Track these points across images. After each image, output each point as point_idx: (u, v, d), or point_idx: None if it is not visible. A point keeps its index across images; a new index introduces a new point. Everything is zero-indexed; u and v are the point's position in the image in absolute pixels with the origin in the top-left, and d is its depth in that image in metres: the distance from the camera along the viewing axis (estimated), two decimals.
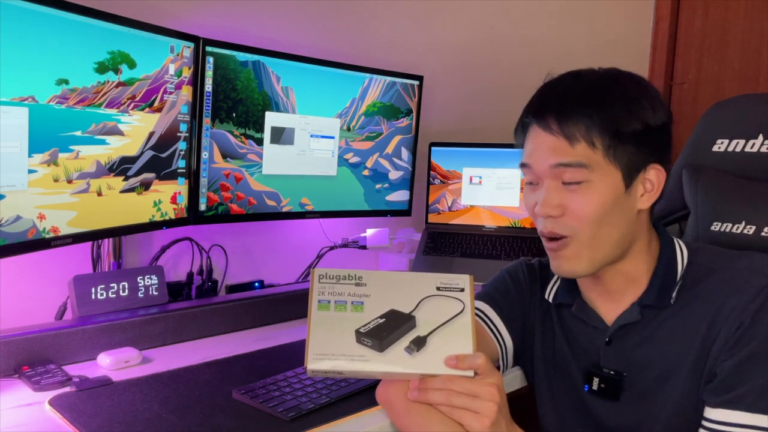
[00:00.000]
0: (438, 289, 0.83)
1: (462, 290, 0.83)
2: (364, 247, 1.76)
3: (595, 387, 0.92)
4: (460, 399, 0.77)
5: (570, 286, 0.98)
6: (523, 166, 0.91)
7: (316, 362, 0.77)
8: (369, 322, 0.80)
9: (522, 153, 0.92)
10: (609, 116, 0.83)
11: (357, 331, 0.79)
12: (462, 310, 0.81)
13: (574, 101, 0.85)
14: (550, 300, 1.00)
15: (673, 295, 0.88)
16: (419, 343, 0.79)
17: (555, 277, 1.01)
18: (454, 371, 0.78)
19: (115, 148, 1.18)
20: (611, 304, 0.93)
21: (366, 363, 0.78)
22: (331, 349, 0.78)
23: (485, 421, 0.76)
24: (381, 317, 0.80)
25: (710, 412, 0.82)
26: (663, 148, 0.88)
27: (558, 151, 0.85)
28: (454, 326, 0.80)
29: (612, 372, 0.91)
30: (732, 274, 0.86)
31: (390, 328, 0.79)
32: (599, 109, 0.83)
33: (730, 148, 1.11)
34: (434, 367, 0.78)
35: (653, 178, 0.87)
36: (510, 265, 1.07)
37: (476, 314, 0.93)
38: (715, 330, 0.84)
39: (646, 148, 0.86)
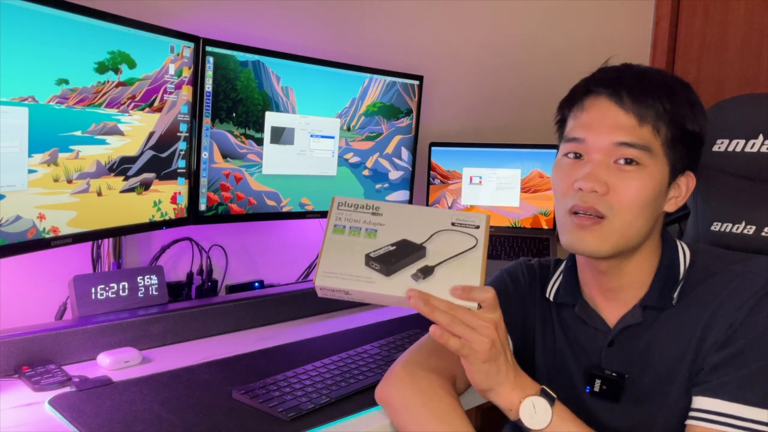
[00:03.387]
0: (453, 224, 0.83)
1: (477, 227, 0.83)
2: None
3: (596, 388, 0.91)
4: (461, 327, 0.76)
5: (572, 285, 0.97)
6: (570, 140, 0.88)
7: (325, 279, 0.80)
8: (380, 248, 0.81)
9: (569, 125, 0.90)
10: (678, 110, 0.84)
11: (367, 255, 0.81)
12: (474, 246, 0.81)
13: (651, 84, 0.85)
14: (551, 298, 0.99)
15: (674, 295, 0.88)
16: (426, 271, 0.80)
17: (556, 276, 1.01)
18: (458, 301, 0.77)
19: (115, 148, 1.18)
20: (613, 304, 0.93)
21: (371, 285, 0.79)
22: (340, 269, 0.80)
23: (480, 356, 0.76)
24: (392, 245, 0.82)
25: (694, 401, 0.83)
26: (698, 158, 0.90)
27: (625, 129, 0.83)
28: (463, 259, 0.81)
29: (614, 374, 0.90)
30: (728, 278, 0.86)
31: (399, 255, 0.81)
32: (671, 100, 0.84)
33: (730, 148, 1.11)
34: (439, 295, 0.78)
35: (684, 184, 0.89)
36: (509, 266, 1.07)
37: None
38: (707, 332, 0.84)
39: (691, 153, 0.87)
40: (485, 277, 0.80)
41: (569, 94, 0.92)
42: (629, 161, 0.83)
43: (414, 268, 0.80)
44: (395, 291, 0.79)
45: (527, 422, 0.81)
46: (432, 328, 0.78)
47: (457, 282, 0.79)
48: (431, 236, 0.82)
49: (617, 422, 0.91)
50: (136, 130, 1.22)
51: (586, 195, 0.84)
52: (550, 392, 0.83)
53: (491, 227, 1.80)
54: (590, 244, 0.85)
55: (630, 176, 0.83)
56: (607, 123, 0.84)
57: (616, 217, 0.84)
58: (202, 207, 1.40)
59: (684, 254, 0.92)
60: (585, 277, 0.95)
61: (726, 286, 0.85)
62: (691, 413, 0.83)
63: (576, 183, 0.85)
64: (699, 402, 0.82)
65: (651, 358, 0.89)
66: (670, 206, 0.89)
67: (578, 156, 0.87)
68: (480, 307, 0.78)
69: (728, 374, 0.81)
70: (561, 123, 0.93)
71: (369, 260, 0.81)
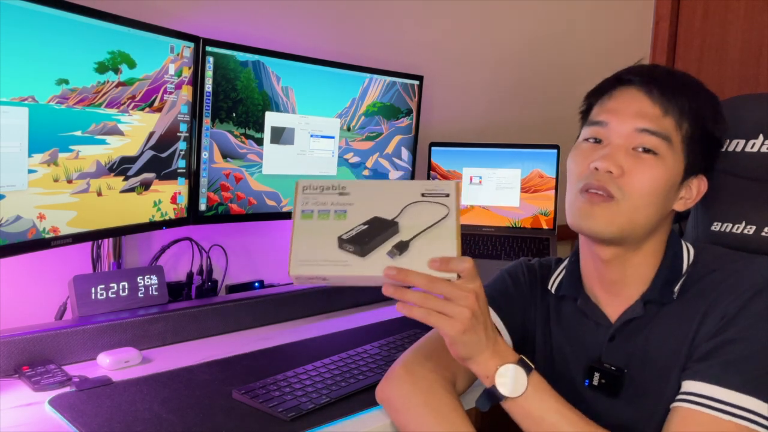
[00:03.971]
0: (423, 195, 0.82)
1: (447, 195, 0.81)
2: None
3: (595, 382, 0.92)
4: (434, 302, 0.75)
5: (575, 278, 0.98)
6: (593, 123, 0.91)
7: (299, 268, 0.78)
8: (351, 229, 0.79)
9: (594, 111, 0.93)
10: (701, 109, 0.88)
11: (339, 238, 0.79)
12: (446, 215, 0.80)
13: (681, 83, 0.89)
14: (553, 291, 1.00)
15: (676, 289, 0.89)
16: (402, 247, 0.78)
17: (559, 270, 1.01)
18: (438, 273, 0.76)
19: (115, 148, 1.18)
20: (615, 299, 0.93)
21: (348, 268, 0.77)
22: (314, 255, 0.78)
23: (457, 326, 0.76)
24: (364, 224, 0.80)
25: (681, 386, 0.84)
26: (713, 163, 0.92)
27: (649, 117, 0.86)
28: (438, 230, 0.79)
29: (613, 368, 0.91)
30: (728, 274, 0.87)
31: (372, 234, 0.79)
32: (696, 100, 0.88)
33: (730, 148, 1.11)
34: (417, 269, 0.77)
35: (695, 187, 0.91)
36: (510, 266, 1.07)
37: None
38: (702, 326, 0.85)
39: (707, 156, 0.90)
40: (461, 245, 0.79)
41: (599, 84, 0.94)
42: (648, 150, 0.86)
43: (389, 245, 0.78)
44: (373, 271, 0.77)
45: (502, 389, 0.81)
46: (397, 306, 0.77)
47: (434, 254, 0.77)
48: (402, 210, 0.81)
49: (616, 417, 0.91)
50: (136, 130, 1.22)
51: (600, 174, 0.86)
52: (528, 362, 0.83)
53: (492, 227, 1.80)
54: (598, 221, 0.86)
55: (646, 163, 0.85)
56: (632, 109, 0.87)
57: (625, 200, 0.85)
58: (202, 207, 1.40)
59: (688, 252, 0.93)
60: (588, 270, 0.96)
61: (724, 282, 0.86)
62: (677, 397, 0.83)
63: (593, 163, 0.87)
64: (683, 386, 0.83)
65: (650, 353, 0.89)
66: (680, 206, 0.91)
67: (598, 141, 0.90)
68: (459, 277, 0.77)
69: (713, 359, 0.81)
70: (586, 112, 0.95)
71: (342, 242, 0.79)
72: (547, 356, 1.00)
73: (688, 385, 0.82)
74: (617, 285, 0.92)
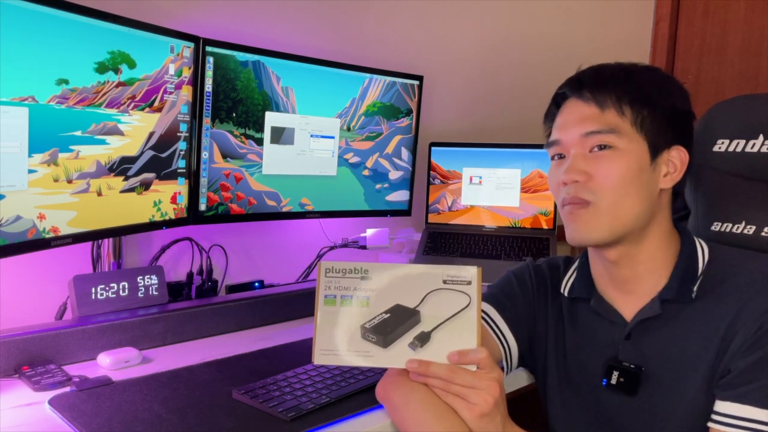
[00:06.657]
0: (444, 282, 0.83)
1: (469, 283, 0.83)
2: (364, 247, 1.76)
3: (613, 381, 0.92)
4: (457, 388, 0.79)
5: (586, 279, 0.98)
6: (551, 144, 0.94)
7: (323, 357, 0.81)
8: (374, 318, 0.81)
9: (552, 132, 0.95)
10: (639, 89, 0.89)
11: (362, 327, 0.81)
12: (468, 305, 0.82)
13: (609, 75, 0.91)
14: (566, 293, 1.00)
15: (694, 289, 0.89)
16: (423, 338, 0.80)
17: (570, 272, 1.01)
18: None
19: (115, 148, 1.18)
20: (629, 298, 0.93)
21: (370, 359, 0.80)
22: (337, 345, 0.81)
23: (476, 411, 0.79)
24: (386, 312, 0.81)
25: (720, 406, 0.83)
26: (687, 134, 0.92)
27: (589, 118, 0.88)
28: (458, 321, 0.81)
29: (632, 366, 0.91)
30: (755, 276, 0.87)
31: (394, 324, 0.81)
32: (631, 82, 0.89)
33: (731, 148, 1.11)
34: (437, 360, 0.80)
35: (676, 159, 0.91)
36: (516, 267, 1.07)
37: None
38: (733, 330, 0.84)
39: (672, 129, 0.90)
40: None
41: (547, 108, 0.98)
42: (602, 147, 0.88)
43: (410, 335, 0.81)
44: (394, 363, 0.81)
45: None
46: (411, 376, 0.83)
47: (455, 345, 0.80)
48: (424, 298, 0.82)
49: (633, 416, 0.91)
50: (136, 130, 1.22)
51: (571, 187, 0.89)
52: None
53: (492, 227, 1.80)
54: (583, 230, 0.89)
55: (605, 159, 0.87)
56: (574, 118, 0.90)
57: (601, 200, 0.87)
58: (202, 207, 1.40)
59: (702, 249, 0.93)
60: (598, 271, 0.96)
61: (752, 285, 0.86)
62: (717, 417, 0.83)
63: (560, 179, 0.90)
64: (725, 407, 0.82)
65: (669, 352, 0.89)
66: (667, 182, 0.91)
67: (562, 156, 0.93)
68: (478, 367, 0.80)
69: (757, 380, 0.80)
70: (548, 134, 0.98)
71: (365, 332, 0.81)
72: (561, 358, 0.99)
73: (731, 407, 0.81)
74: (630, 283, 0.92)
